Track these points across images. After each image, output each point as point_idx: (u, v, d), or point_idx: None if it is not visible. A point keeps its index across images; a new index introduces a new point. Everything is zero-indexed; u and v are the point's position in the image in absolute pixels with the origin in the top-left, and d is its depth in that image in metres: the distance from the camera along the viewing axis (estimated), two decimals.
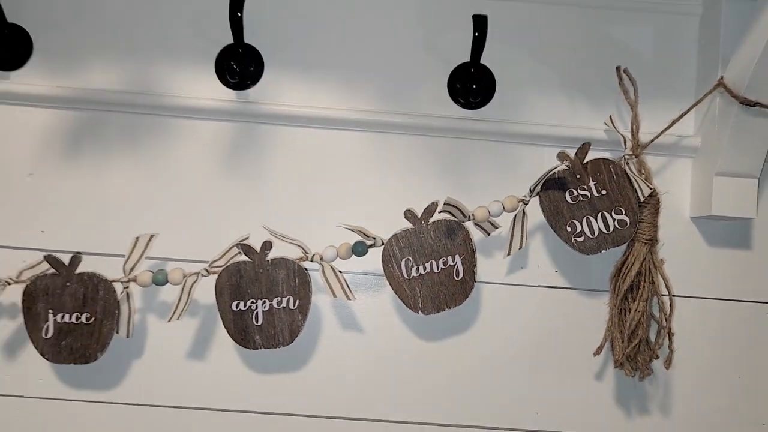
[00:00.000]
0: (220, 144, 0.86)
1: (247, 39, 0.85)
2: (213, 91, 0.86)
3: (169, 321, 0.78)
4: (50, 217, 0.85)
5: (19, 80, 0.85)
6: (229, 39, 0.85)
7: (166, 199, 0.86)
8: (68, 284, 0.78)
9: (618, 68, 0.85)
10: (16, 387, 0.84)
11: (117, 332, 0.79)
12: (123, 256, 0.80)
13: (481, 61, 0.86)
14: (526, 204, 0.81)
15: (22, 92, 0.85)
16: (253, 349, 0.79)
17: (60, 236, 0.85)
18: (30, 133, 0.85)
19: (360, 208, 0.86)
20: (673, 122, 0.82)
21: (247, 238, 0.80)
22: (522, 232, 0.81)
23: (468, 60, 0.86)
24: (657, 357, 0.80)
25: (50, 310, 0.78)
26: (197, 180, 0.86)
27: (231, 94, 0.86)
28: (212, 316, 0.84)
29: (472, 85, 0.86)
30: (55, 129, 0.86)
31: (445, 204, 0.78)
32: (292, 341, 0.79)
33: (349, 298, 0.79)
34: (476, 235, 0.82)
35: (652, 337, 0.80)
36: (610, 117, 0.85)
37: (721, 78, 0.81)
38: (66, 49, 0.86)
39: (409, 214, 0.79)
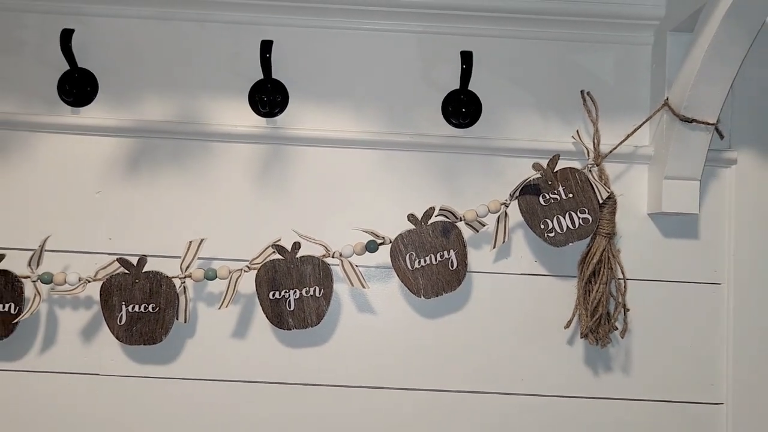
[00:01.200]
0: (253, 163, 1.04)
1: (275, 75, 1.03)
2: (246, 119, 1.04)
3: (219, 308, 0.96)
4: (115, 227, 1.03)
5: (87, 115, 1.04)
6: (259, 75, 1.03)
7: (210, 210, 1.04)
8: (137, 281, 0.96)
9: (582, 91, 1.02)
10: (91, 366, 1.02)
11: (177, 318, 0.97)
12: (176, 257, 0.99)
13: (469, 88, 1.03)
14: (507, 206, 0.98)
15: (90, 125, 1.03)
16: (287, 329, 0.97)
17: (124, 242, 1.03)
18: (97, 158, 1.04)
19: (369, 213, 1.03)
20: (627, 136, 0.99)
21: (279, 240, 0.98)
22: (505, 229, 0.98)
23: (458, 87, 1.04)
24: (616, 329, 0.97)
25: (123, 302, 0.96)
26: (235, 193, 1.04)
27: (262, 121, 1.04)
28: (251, 304, 1.02)
29: (461, 108, 1.03)
30: (117, 154, 1.04)
31: (440, 209, 0.96)
32: (319, 323, 0.98)
33: (364, 287, 0.97)
34: (467, 232, 0.99)
35: (611, 313, 0.98)
36: (577, 131, 1.02)
37: (667, 99, 0.98)
38: (125, 88, 1.04)
39: (411, 217, 0.97)
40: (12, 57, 1.04)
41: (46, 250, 0.97)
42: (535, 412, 1.03)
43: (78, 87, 1.03)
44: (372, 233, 0.96)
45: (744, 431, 1.01)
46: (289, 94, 1.04)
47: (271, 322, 0.97)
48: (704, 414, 1.03)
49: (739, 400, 1.02)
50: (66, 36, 0.99)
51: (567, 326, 0.99)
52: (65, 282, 0.97)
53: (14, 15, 1.04)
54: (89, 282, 0.97)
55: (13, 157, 1.03)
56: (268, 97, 1.03)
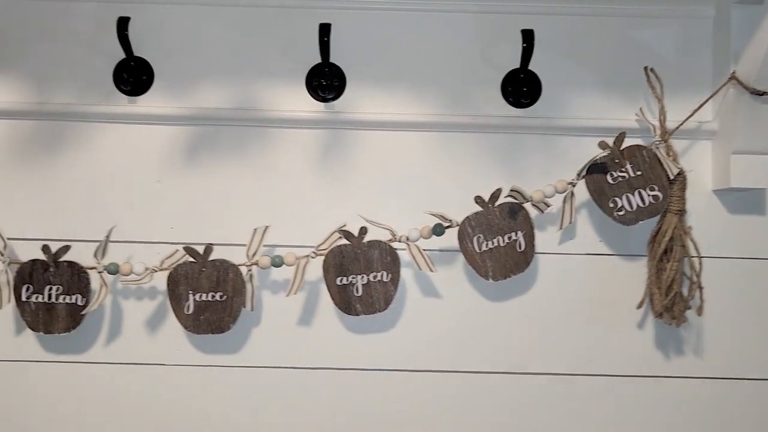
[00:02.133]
0: (313, 148, 1.03)
1: (331, 59, 1.02)
2: (304, 105, 1.02)
3: (287, 295, 0.96)
4: (177, 216, 1.03)
5: (144, 103, 1.03)
6: (315, 60, 1.02)
7: (270, 196, 1.03)
8: (203, 269, 0.96)
9: (646, 68, 1.00)
10: (157, 357, 1.02)
11: (243, 306, 0.96)
12: (237, 244, 0.98)
13: (529, 67, 1.02)
14: (574, 186, 0.97)
15: (148, 113, 1.02)
16: (355, 315, 0.97)
17: (185, 231, 1.02)
18: (156, 147, 1.03)
19: (431, 196, 1.02)
20: (694, 111, 0.98)
21: (344, 225, 0.97)
22: (571, 210, 0.97)
23: (517, 67, 1.02)
24: (689, 308, 0.96)
25: (190, 291, 0.96)
26: (295, 179, 1.03)
27: (320, 106, 1.03)
28: (315, 290, 1.01)
29: (522, 88, 1.02)
30: (176, 142, 1.03)
31: (511, 190, 0.95)
32: (387, 308, 0.97)
33: (431, 270, 0.96)
34: (531, 213, 0.98)
35: (685, 292, 0.97)
36: (640, 109, 1.01)
37: (734, 72, 0.96)
38: (182, 76, 1.03)
39: (478, 199, 0.96)
40: (67, 47, 1.03)
41: (104, 240, 0.97)
42: (605, 392, 1.02)
43: (134, 76, 1.02)
44: (441, 216, 0.95)
45: None
46: (347, 78, 1.03)
47: (339, 308, 0.97)
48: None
49: None
50: (122, 24, 0.98)
51: (639, 306, 0.98)
52: (131, 272, 0.96)
53: (67, 5, 1.03)
54: (155, 271, 0.96)
55: (71, 149, 1.02)
56: (327, 81, 1.02)
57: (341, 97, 1.03)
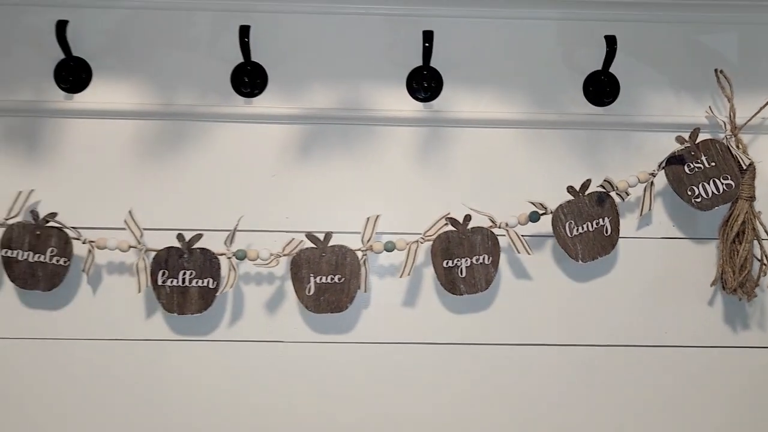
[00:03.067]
0: (414, 144, 1.14)
1: (431, 62, 1.12)
2: (405, 104, 1.13)
3: (401, 276, 1.06)
4: (291, 206, 1.12)
5: (259, 104, 1.12)
6: (415, 63, 1.12)
7: (376, 188, 1.13)
8: (323, 254, 1.06)
9: (716, 70, 1.11)
10: (276, 335, 1.12)
11: (359, 288, 1.07)
12: (346, 232, 1.08)
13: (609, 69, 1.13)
14: (654, 176, 1.08)
15: (263, 113, 1.12)
16: (459, 295, 1.07)
17: (299, 220, 1.12)
18: (271, 144, 1.13)
19: (522, 186, 1.13)
20: (761, 108, 1.09)
21: (449, 213, 1.07)
22: (651, 198, 1.08)
23: (598, 69, 1.13)
24: (758, 285, 1.08)
25: (311, 274, 1.06)
26: (398, 172, 1.13)
27: (419, 105, 1.13)
28: (418, 274, 1.12)
29: (603, 88, 1.13)
30: (289, 140, 1.13)
31: (604, 180, 1.06)
32: (488, 288, 1.08)
33: (528, 253, 1.07)
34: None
35: (754, 270, 1.08)
36: (709, 107, 1.12)
37: None
38: (294, 79, 1.13)
39: (570, 189, 1.07)
40: (187, 53, 1.12)
41: (232, 229, 1.07)
42: (678, 362, 1.13)
43: (250, 78, 1.12)
44: (539, 204, 1.06)
45: None
46: (443, 80, 1.13)
47: (445, 288, 1.07)
48: None
49: None
50: (244, 32, 1.08)
51: (713, 284, 1.10)
52: (258, 257, 1.06)
53: (188, 14, 1.12)
54: (280, 257, 1.06)
55: (194, 146, 1.12)
56: (426, 83, 1.12)
57: (438, 98, 1.13)
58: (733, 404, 1.14)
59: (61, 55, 1.09)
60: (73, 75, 1.10)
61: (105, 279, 1.11)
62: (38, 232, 1.05)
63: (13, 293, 1.10)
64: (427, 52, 1.10)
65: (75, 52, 1.09)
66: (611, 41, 1.09)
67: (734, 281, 1.06)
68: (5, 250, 1.05)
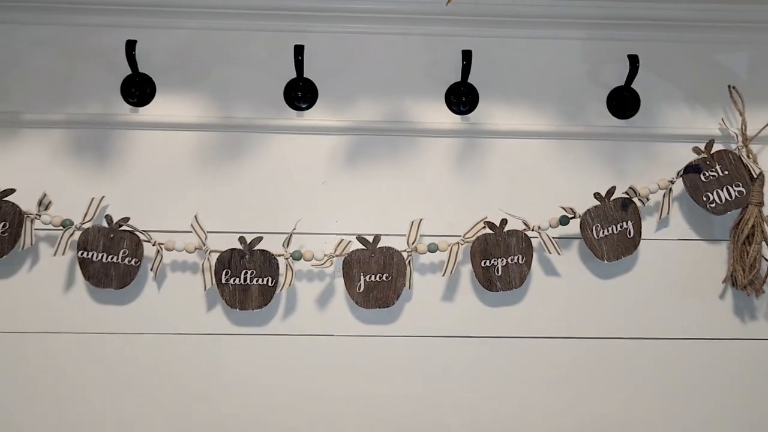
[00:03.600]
0: (452, 154, 1.24)
1: (468, 79, 1.22)
2: (444, 117, 1.23)
3: (443, 275, 1.16)
4: (339, 211, 1.22)
5: (310, 117, 1.22)
6: (454, 79, 1.22)
7: (418, 194, 1.23)
8: (373, 255, 1.16)
9: (729, 86, 1.22)
10: (326, 329, 1.22)
11: (405, 286, 1.17)
12: (390, 234, 1.18)
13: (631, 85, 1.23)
14: (673, 183, 1.19)
15: (313, 126, 1.22)
16: (495, 291, 1.18)
17: (347, 223, 1.22)
18: (321, 154, 1.23)
19: (551, 192, 1.23)
20: None
21: (486, 217, 1.17)
22: (669, 203, 1.19)
23: (621, 84, 1.23)
24: (766, 282, 1.19)
25: (362, 273, 1.16)
26: (438, 180, 1.23)
27: (457, 118, 1.23)
28: (456, 272, 1.21)
29: (626, 102, 1.23)
30: (337, 150, 1.23)
31: (629, 188, 1.16)
32: (521, 285, 1.18)
33: (558, 254, 1.18)
34: None
35: (762, 270, 1.19)
36: (722, 119, 1.23)
37: None
38: (342, 93, 1.22)
39: (597, 195, 1.18)
40: (244, 70, 1.22)
41: (288, 233, 1.17)
42: (694, 352, 1.24)
43: (303, 94, 1.22)
44: (569, 209, 1.17)
45: None
46: (480, 95, 1.23)
47: (483, 286, 1.18)
48: None
49: None
50: (298, 50, 1.17)
51: (724, 281, 1.21)
52: (313, 258, 1.16)
53: (245, 34, 1.22)
54: (333, 257, 1.16)
55: (252, 156, 1.22)
56: (464, 97, 1.22)
57: (475, 111, 1.23)
58: (743, 391, 1.25)
59: (128, 72, 1.19)
60: (139, 90, 1.20)
61: (169, 277, 1.20)
62: (112, 235, 1.14)
63: (83, 290, 1.20)
64: (466, 70, 1.20)
65: (141, 69, 1.19)
66: (634, 60, 1.20)
67: (744, 279, 1.17)
68: (81, 251, 1.14)
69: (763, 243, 1.18)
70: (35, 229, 1.15)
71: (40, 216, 1.14)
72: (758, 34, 1.25)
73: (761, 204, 1.18)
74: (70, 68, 1.21)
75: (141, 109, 1.21)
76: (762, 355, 1.24)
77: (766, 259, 1.19)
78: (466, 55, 1.19)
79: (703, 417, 1.25)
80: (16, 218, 1.13)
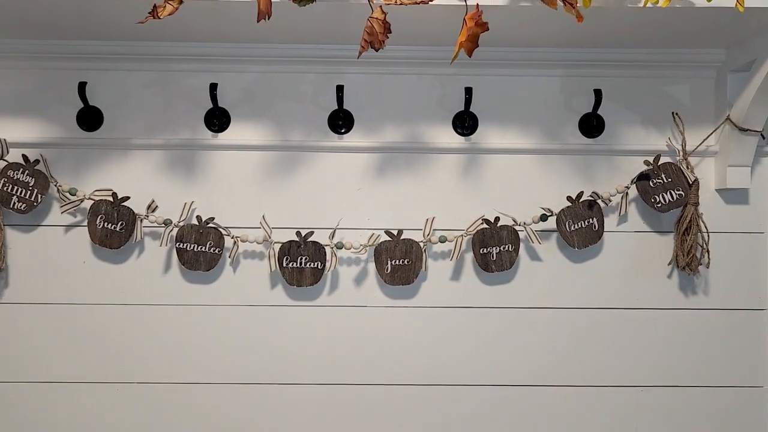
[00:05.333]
0: (457, 167, 1.59)
1: (471, 109, 1.57)
2: (451, 139, 1.59)
3: (451, 260, 1.53)
4: (371, 211, 1.59)
5: (348, 140, 1.59)
6: (459, 108, 1.58)
7: (432, 197, 1.59)
8: (397, 245, 1.52)
9: (673, 113, 1.57)
10: (361, 301, 1.58)
11: (422, 268, 1.53)
12: (409, 229, 1.54)
13: (598, 112, 1.58)
14: (628, 188, 1.54)
15: (351, 146, 1.58)
16: (491, 272, 1.54)
17: (377, 221, 1.58)
18: (356, 167, 1.59)
19: (536, 195, 1.58)
20: (703, 140, 1.54)
21: (484, 215, 1.53)
22: (626, 204, 1.54)
23: (590, 111, 1.58)
24: (701, 264, 1.53)
25: (389, 258, 1.52)
26: (447, 186, 1.59)
27: (461, 139, 1.59)
28: (461, 258, 1.57)
29: (593, 125, 1.58)
30: (369, 164, 1.59)
31: (592, 192, 1.51)
32: (511, 267, 1.54)
33: (539, 243, 1.53)
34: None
35: (698, 253, 1.53)
36: (669, 138, 1.57)
37: (728, 115, 1.52)
38: (372, 121, 1.59)
39: (569, 198, 1.53)
40: (297, 103, 1.59)
41: (333, 228, 1.53)
42: (645, 321, 1.59)
43: (343, 121, 1.58)
44: (547, 209, 1.52)
45: None
46: (479, 120, 1.58)
47: (481, 268, 1.54)
48: (748, 317, 1.60)
49: None
50: (339, 89, 1.54)
51: (670, 263, 1.56)
52: (351, 247, 1.53)
53: (297, 75, 1.58)
54: (366, 247, 1.53)
55: (304, 169, 1.59)
56: (467, 122, 1.58)
57: (475, 133, 1.59)
58: (685, 348, 1.60)
59: (210, 106, 1.56)
60: (218, 120, 1.57)
61: (242, 263, 1.58)
62: (201, 231, 1.52)
63: (177, 273, 1.58)
64: (468, 101, 1.55)
65: (220, 104, 1.56)
66: (599, 92, 1.55)
67: (683, 261, 1.52)
68: (178, 243, 1.52)
69: (698, 234, 1.53)
70: (143, 227, 1.53)
71: (147, 217, 1.52)
72: (695, 71, 1.59)
73: (696, 204, 1.53)
74: (166, 104, 1.59)
75: (220, 134, 1.58)
76: (699, 320, 1.59)
77: (700, 246, 1.54)
78: (468, 91, 1.54)
79: (652, 363, 1.60)
80: (130, 219, 1.52)
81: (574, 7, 1.22)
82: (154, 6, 1.17)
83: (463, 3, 1.26)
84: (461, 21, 1.24)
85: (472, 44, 1.24)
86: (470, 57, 1.24)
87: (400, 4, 1.20)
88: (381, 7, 1.20)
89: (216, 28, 1.44)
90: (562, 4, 1.23)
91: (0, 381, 1.56)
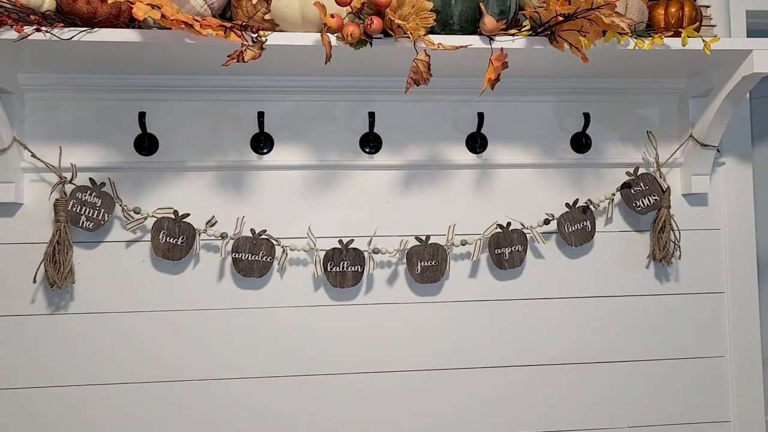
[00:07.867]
0: (472, 180, 1.85)
1: (482, 130, 1.84)
2: (465, 156, 1.85)
3: (471, 260, 1.78)
4: (399, 220, 1.82)
5: (377, 159, 1.82)
6: (472, 130, 1.84)
7: (451, 207, 1.84)
8: (425, 248, 1.77)
9: (648, 132, 1.88)
10: (393, 299, 1.82)
11: (446, 268, 1.78)
12: (437, 234, 1.79)
13: (586, 131, 1.87)
14: (614, 195, 1.84)
15: (380, 164, 1.82)
16: (504, 269, 1.80)
17: (404, 229, 1.82)
18: (385, 183, 1.83)
19: (538, 203, 1.86)
20: (672, 154, 1.86)
21: (497, 221, 1.79)
22: (612, 208, 1.84)
23: (579, 131, 1.87)
24: (673, 256, 1.85)
25: (419, 260, 1.76)
26: (463, 197, 1.85)
27: (474, 156, 1.85)
28: (478, 258, 1.83)
29: (582, 142, 1.88)
30: (396, 180, 1.83)
31: (587, 200, 1.81)
32: (521, 265, 1.81)
33: (543, 243, 1.81)
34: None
35: (671, 248, 1.85)
36: (644, 152, 1.88)
37: (691, 134, 1.85)
38: (398, 141, 1.82)
39: (567, 204, 1.81)
40: (332, 127, 1.81)
41: (370, 236, 1.76)
42: (630, 306, 1.90)
43: (373, 143, 1.81)
44: (550, 215, 1.80)
45: (741, 315, 1.92)
46: (489, 140, 1.85)
47: (496, 266, 1.80)
48: (711, 299, 1.93)
49: (735, 288, 1.92)
50: (371, 115, 1.77)
51: (648, 257, 1.87)
52: (386, 252, 1.76)
53: (332, 103, 1.80)
54: (398, 251, 1.76)
55: (340, 185, 1.81)
56: (480, 142, 1.84)
57: (485, 151, 1.86)
58: (661, 327, 1.91)
59: (256, 131, 1.76)
60: (263, 143, 1.77)
61: (288, 269, 1.78)
62: (254, 242, 1.72)
63: (230, 281, 1.76)
64: (479, 124, 1.82)
65: (265, 130, 1.76)
66: (587, 115, 1.85)
67: (660, 255, 1.83)
68: (234, 253, 1.71)
69: (671, 231, 1.85)
70: (200, 240, 1.72)
71: (206, 231, 1.70)
72: (664, 97, 1.92)
73: (669, 207, 1.85)
74: (215, 130, 1.77)
75: (264, 156, 1.78)
76: (672, 303, 1.91)
77: (672, 242, 1.86)
78: (480, 115, 1.81)
79: (635, 341, 1.90)
80: (190, 233, 1.70)
81: (579, 51, 1.51)
82: (240, 52, 1.37)
83: (489, 46, 1.52)
84: (479, 59, 1.51)
85: (496, 80, 1.50)
86: (493, 90, 1.51)
87: (443, 49, 1.45)
88: (425, 50, 1.45)
89: (263, 64, 1.64)
90: (568, 47, 1.52)
91: (68, 384, 1.71)
